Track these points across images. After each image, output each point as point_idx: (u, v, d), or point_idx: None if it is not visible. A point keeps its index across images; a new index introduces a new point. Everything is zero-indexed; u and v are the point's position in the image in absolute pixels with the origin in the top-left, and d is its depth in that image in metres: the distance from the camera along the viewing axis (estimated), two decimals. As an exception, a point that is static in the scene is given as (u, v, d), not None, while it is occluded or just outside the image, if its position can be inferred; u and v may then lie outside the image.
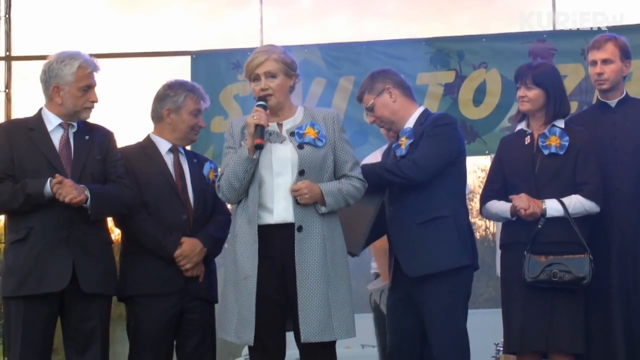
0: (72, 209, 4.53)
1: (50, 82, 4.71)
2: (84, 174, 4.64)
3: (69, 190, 4.49)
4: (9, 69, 8.12)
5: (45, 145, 4.65)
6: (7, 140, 4.65)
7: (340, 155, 4.45)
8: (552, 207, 4.79)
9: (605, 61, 5.07)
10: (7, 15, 8.13)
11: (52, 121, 4.72)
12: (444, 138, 4.76)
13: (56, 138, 4.70)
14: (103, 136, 4.82)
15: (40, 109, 4.78)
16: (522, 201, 4.78)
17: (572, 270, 4.74)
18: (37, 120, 4.73)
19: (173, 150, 4.98)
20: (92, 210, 4.58)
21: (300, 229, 4.31)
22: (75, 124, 4.75)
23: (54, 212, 4.55)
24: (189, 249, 4.79)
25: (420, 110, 4.91)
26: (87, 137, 4.74)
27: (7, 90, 8.07)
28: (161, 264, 4.79)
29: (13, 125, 4.88)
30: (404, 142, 4.79)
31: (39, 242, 4.56)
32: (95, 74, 4.77)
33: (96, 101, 4.77)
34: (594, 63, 5.10)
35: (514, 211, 4.82)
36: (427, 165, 4.67)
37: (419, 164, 4.65)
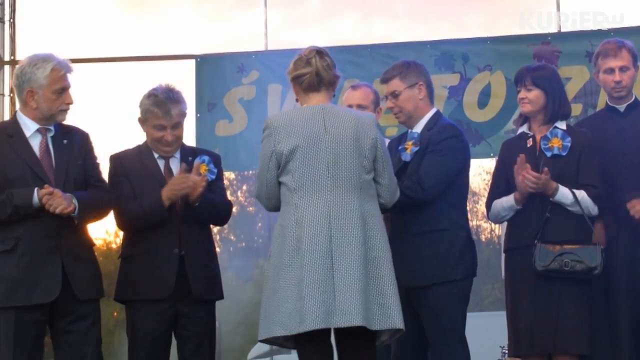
0: (59, 217, 4.49)
1: (23, 86, 4.63)
2: (67, 181, 4.60)
3: (59, 202, 4.45)
4: (13, 73, 8.13)
5: (25, 152, 4.58)
6: None
7: None
8: (563, 193, 4.75)
9: (622, 68, 5.06)
10: (11, 20, 8.13)
11: (29, 127, 4.64)
12: (447, 152, 4.74)
13: (35, 144, 4.62)
14: (80, 139, 4.76)
15: (15, 113, 4.73)
16: (530, 177, 4.71)
17: (584, 260, 4.69)
18: (14, 126, 4.66)
19: (164, 157, 4.92)
20: (79, 219, 4.58)
21: None
22: (52, 127, 4.68)
23: (42, 222, 4.50)
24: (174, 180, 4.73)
25: (432, 111, 4.91)
26: (65, 142, 4.67)
27: (11, 95, 8.06)
28: (152, 267, 4.76)
29: None
30: (410, 147, 4.79)
31: (27, 252, 4.50)
32: (69, 75, 4.68)
33: (71, 103, 4.69)
34: (611, 71, 5.07)
35: (522, 189, 4.75)
36: (432, 186, 4.66)
37: (424, 186, 4.65)
